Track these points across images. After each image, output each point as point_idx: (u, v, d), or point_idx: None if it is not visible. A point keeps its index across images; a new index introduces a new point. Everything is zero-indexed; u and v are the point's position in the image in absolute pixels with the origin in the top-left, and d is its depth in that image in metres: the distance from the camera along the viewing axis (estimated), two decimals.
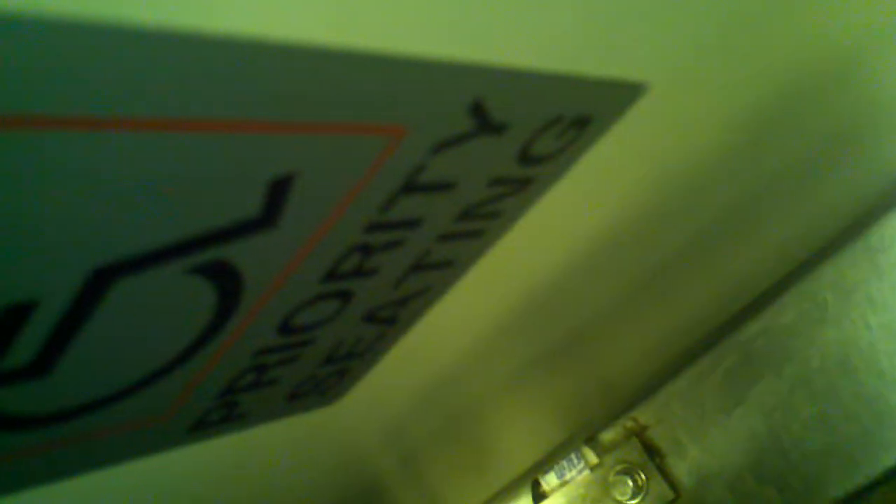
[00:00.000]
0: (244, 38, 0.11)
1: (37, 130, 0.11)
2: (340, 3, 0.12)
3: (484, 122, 0.16)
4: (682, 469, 0.51)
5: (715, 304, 0.46)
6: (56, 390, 0.16)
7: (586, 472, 0.54)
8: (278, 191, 0.15)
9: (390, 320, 0.23)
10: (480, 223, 0.20)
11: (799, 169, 0.34)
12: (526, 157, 0.19)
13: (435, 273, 0.21)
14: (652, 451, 0.52)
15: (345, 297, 0.20)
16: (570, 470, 0.55)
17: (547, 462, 0.55)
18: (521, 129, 0.17)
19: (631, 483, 0.52)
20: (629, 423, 0.53)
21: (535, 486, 0.56)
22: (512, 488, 0.55)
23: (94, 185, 0.12)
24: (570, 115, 0.18)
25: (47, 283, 0.13)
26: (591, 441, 0.54)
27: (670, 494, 0.50)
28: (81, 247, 0.13)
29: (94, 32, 0.10)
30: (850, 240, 0.44)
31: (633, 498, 0.52)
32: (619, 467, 0.52)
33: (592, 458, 0.54)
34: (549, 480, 0.55)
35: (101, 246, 0.13)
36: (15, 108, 0.10)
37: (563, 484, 0.55)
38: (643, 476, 0.52)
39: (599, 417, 0.53)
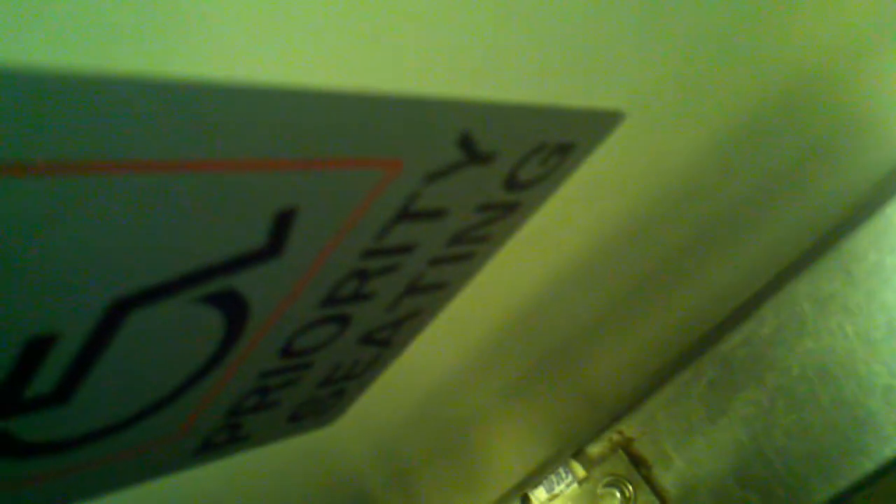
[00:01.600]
0: (249, 84, 0.12)
1: (57, 176, 0.11)
2: (338, 48, 0.13)
3: (472, 152, 0.17)
4: (667, 479, 0.52)
5: (696, 318, 0.47)
6: (74, 417, 0.17)
7: (574, 486, 0.55)
8: (283, 223, 0.16)
9: (385, 342, 0.24)
10: (470, 247, 0.21)
11: (774, 184, 0.35)
12: (512, 184, 0.20)
13: (427, 295, 0.22)
14: (638, 463, 0.52)
15: (343, 320, 0.21)
16: (559, 484, 0.55)
17: (536, 477, 0.55)
18: (507, 157, 0.19)
19: (619, 494, 0.52)
20: (615, 436, 0.53)
21: (525, 500, 0.57)
22: (502, 503, 0.56)
23: (110, 225, 0.13)
24: (553, 143, 0.19)
25: (67, 316, 0.14)
26: (578, 455, 0.55)
27: None
28: (99, 281, 0.14)
29: (109, 84, 0.11)
30: (825, 251, 0.45)
31: None
32: (606, 479, 0.53)
33: (580, 472, 0.55)
34: (539, 495, 0.56)
35: (118, 280, 0.14)
36: (31, 155, 0.11)
37: (553, 498, 0.56)
38: (630, 487, 0.52)
39: (586, 431, 0.54)
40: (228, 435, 0.22)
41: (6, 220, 0.11)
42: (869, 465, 0.45)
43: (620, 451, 0.53)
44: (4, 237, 0.12)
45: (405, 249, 0.19)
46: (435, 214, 0.19)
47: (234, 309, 0.17)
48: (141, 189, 0.13)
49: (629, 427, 0.53)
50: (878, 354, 0.44)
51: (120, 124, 0.11)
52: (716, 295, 0.46)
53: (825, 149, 0.36)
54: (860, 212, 0.43)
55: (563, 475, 0.55)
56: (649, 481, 0.52)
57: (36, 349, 0.14)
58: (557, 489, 0.55)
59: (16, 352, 0.14)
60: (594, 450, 0.54)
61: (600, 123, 0.20)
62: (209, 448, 0.22)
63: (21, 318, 0.14)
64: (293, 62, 0.13)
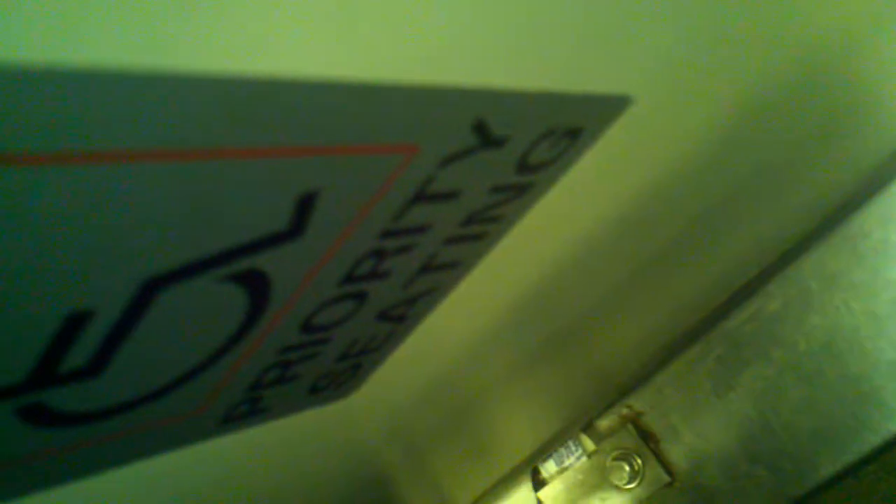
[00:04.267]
0: (278, 78, 0.13)
1: (95, 164, 0.12)
2: (361, 42, 0.14)
3: (486, 137, 0.18)
4: (676, 453, 0.52)
5: (705, 294, 0.48)
6: (106, 389, 0.18)
7: (584, 459, 0.55)
8: (305, 205, 0.16)
9: (400, 318, 0.24)
10: (483, 227, 0.22)
11: (781, 164, 0.36)
12: (524, 166, 0.20)
13: (441, 273, 0.23)
14: (647, 437, 0.53)
15: (360, 297, 0.21)
16: (569, 457, 0.56)
17: (546, 450, 0.56)
18: (519, 141, 0.19)
19: (627, 468, 0.53)
20: (624, 411, 0.54)
21: (535, 473, 0.57)
22: (513, 476, 0.57)
23: (144, 209, 0.14)
24: (563, 127, 0.20)
25: (103, 293, 0.15)
26: (588, 429, 0.55)
27: (666, 478, 0.52)
28: (134, 261, 0.15)
29: (157, 80, 0.12)
30: (831, 228, 0.45)
31: (629, 483, 0.53)
32: (615, 453, 0.54)
33: (590, 445, 0.55)
34: (549, 468, 0.57)
35: (151, 260, 0.15)
36: (76, 146, 0.12)
37: (562, 471, 0.56)
38: (639, 461, 0.53)
39: (596, 406, 0.54)
40: (250, 407, 0.23)
41: (51, 205, 0.12)
42: (875, 439, 0.45)
43: (629, 426, 0.53)
44: (48, 222, 0.13)
45: (420, 230, 0.20)
46: (449, 196, 0.20)
47: (257, 287, 0.18)
48: (177, 175, 0.14)
49: (638, 401, 0.53)
50: (883, 330, 0.45)
51: (156, 116, 0.12)
52: (724, 273, 0.46)
53: (832, 127, 0.36)
54: (866, 190, 0.44)
55: (573, 448, 0.56)
56: (658, 455, 0.53)
57: (73, 324, 0.15)
58: (567, 462, 0.56)
59: (55, 327, 0.15)
60: (603, 424, 0.55)
61: (609, 108, 0.21)
62: (231, 420, 0.23)
63: (61, 295, 0.14)
64: (317, 56, 0.13)
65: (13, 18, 0.10)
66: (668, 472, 0.52)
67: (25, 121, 0.11)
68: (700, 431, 0.51)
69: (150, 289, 0.16)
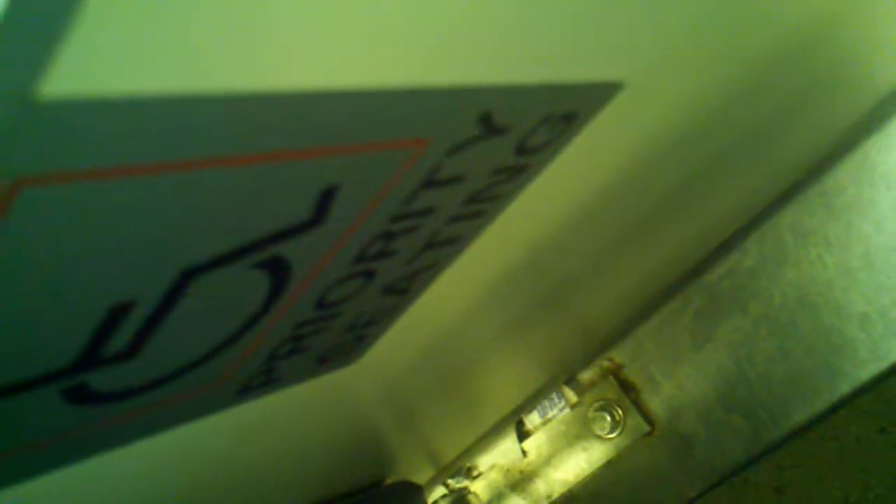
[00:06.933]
0: (303, 90, 0.14)
1: (138, 176, 0.13)
2: (375, 53, 0.15)
3: (490, 127, 0.19)
4: (655, 403, 0.54)
5: (683, 251, 0.49)
6: (141, 369, 0.19)
7: (567, 411, 0.57)
8: (326, 198, 0.18)
9: (403, 291, 0.26)
10: (483, 205, 0.23)
11: (760, 130, 0.37)
12: (522, 149, 0.22)
13: (443, 249, 0.25)
14: (627, 388, 0.55)
15: (369, 275, 0.23)
16: (552, 409, 0.58)
17: (530, 403, 0.58)
18: (520, 128, 0.20)
19: (609, 418, 0.55)
20: (606, 363, 0.56)
21: (520, 425, 0.59)
22: (499, 428, 0.59)
23: (188, 210, 0.15)
24: (559, 112, 0.21)
25: (144, 285, 0.16)
26: (570, 381, 0.57)
27: (645, 427, 0.54)
28: (173, 256, 0.16)
29: (201, 101, 0.13)
30: (806, 186, 0.47)
31: (611, 432, 0.55)
32: (597, 404, 0.55)
33: (572, 397, 0.57)
34: (533, 419, 0.59)
35: (188, 253, 0.16)
36: (129, 161, 0.13)
37: (546, 422, 0.58)
38: (620, 411, 0.55)
39: (578, 359, 0.56)
40: (264, 378, 0.24)
41: (101, 213, 0.13)
42: (845, 387, 0.47)
43: (610, 377, 0.55)
44: (97, 227, 0.14)
45: (427, 212, 0.21)
46: (454, 181, 0.21)
47: (279, 271, 0.19)
48: (217, 181, 0.15)
49: (619, 354, 0.55)
50: (855, 284, 0.46)
51: (203, 130, 0.13)
52: (702, 229, 0.48)
53: (809, 93, 0.38)
54: (840, 148, 0.45)
55: (556, 401, 0.58)
56: (638, 405, 0.54)
57: (116, 314, 0.16)
58: (550, 414, 0.58)
59: (100, 317, 0.16)
60: (585, 376, 0.57)
61: (602, 93, 0.22)
62: (247, 391, 0.24)
63: (105, 290, 0.16)
64: (337, 68, 0.15)
65: (117, 50, 0.11)
66: (648, 421, 0.54)
67: (81, 142, 0.12)
68: (678, 382, 0.53)
69: (186, 278, 0.17)
